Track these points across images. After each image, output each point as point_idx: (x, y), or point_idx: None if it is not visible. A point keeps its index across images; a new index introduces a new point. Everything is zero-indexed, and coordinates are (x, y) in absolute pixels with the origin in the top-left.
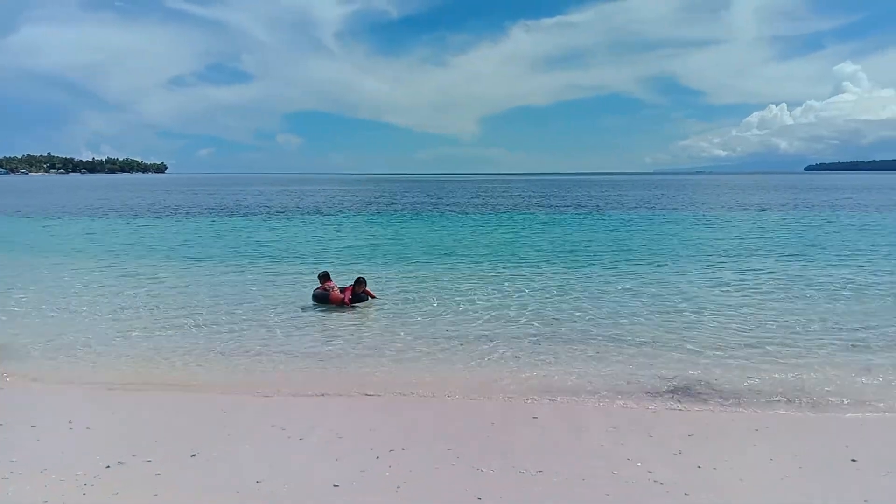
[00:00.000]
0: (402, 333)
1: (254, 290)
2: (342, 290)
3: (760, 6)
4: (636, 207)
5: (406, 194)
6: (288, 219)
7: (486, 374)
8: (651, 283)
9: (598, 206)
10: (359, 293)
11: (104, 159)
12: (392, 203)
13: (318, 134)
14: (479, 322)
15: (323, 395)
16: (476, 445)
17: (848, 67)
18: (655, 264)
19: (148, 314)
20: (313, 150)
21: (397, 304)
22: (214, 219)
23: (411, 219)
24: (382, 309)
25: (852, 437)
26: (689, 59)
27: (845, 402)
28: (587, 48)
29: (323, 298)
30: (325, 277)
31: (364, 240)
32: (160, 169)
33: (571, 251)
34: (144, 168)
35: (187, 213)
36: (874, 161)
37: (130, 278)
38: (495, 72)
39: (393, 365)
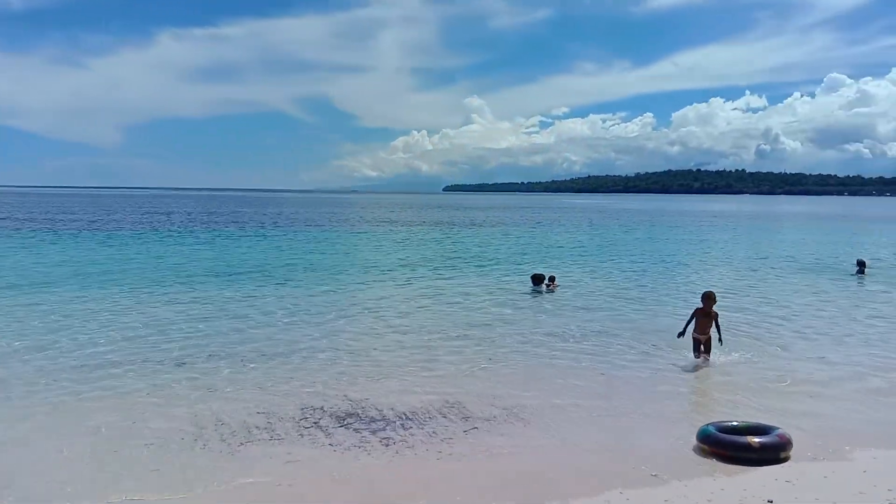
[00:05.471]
0: (31, 371)
1: None
2: None
3: (402, 40)
4: (296, 223)
5: (31, 211)
6: None
7: (126, 408)
8: (306, 299)
9: (259, 223)
10: None
11: None
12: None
13: None
14: (117, 351)
15: None
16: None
17: (475, 101)
18: (309, 280)
19: None
20: None
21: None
22: None
23: (39, 240)
24: None
25: (492, 440)
26: (342, 83)
27: (491, 412)
28: (242, 63)
29: None
30: None
31: None
32: None
33: (226, 271)
34: None
35: None
36: (497, 183)
37: None
38: (142, 79)
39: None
